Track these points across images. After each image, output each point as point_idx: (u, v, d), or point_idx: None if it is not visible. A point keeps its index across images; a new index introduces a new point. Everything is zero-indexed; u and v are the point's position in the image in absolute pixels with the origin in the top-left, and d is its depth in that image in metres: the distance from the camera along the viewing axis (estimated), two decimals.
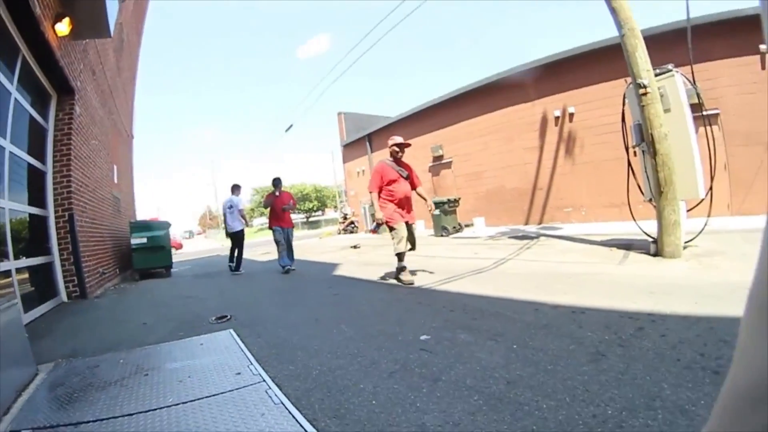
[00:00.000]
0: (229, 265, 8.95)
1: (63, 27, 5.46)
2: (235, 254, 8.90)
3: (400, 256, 5.32)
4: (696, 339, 2.46)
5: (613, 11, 5.56)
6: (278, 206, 8.20)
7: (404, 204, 5.43)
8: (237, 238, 9.01)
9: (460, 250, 8.33)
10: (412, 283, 5.12)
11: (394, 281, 5.52)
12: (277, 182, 8.43)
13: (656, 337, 2.55)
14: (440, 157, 15.09)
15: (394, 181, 5.42)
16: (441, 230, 12.02)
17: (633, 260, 5.37)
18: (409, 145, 5.72)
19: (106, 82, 9.04)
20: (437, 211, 11.99)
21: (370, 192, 5.49)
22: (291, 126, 16.64)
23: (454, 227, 12.23)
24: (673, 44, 7.19)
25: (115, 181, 9.77)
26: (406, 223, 5.35)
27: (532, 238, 8.58)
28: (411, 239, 5.42)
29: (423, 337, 2.94)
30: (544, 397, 1.89)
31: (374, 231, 5.55)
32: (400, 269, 5.37)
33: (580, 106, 10.61)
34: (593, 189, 10.47)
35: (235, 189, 9.13)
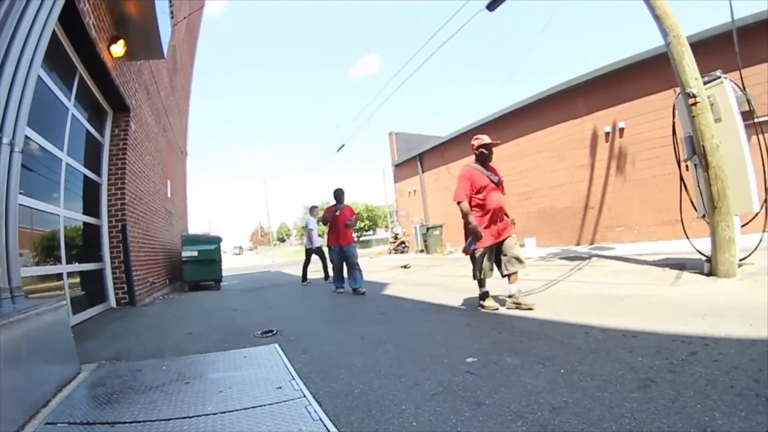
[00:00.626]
0: (306, 281, 9.66)
1: (118, 48, 5.80)
2: (322, 266, 9.88)
3: (481, 283, 4.65)
4: (750, 364, 2.33)
5: (657, 19, 5.42)
6: (341, 222, 7.29)
7: (498, 217, 4.55)
8: (317, 253, 9.88)
9: None
10: (497, 309, 4.49)
11: (462, 306, 5.07)
12: (339, 194, 7.55)
13: (708, 363, 2.43)
14: None
15: (484, 187, 4.52)
16: None
17: (686, 280, 5.16)
18: (497, 144, 4.85)
19: (160, 101, 9.53)
20: None
21: (458, 202, 4.54)
22: (343, 146, 17.12)
23: None
24: (719, 49, 6.90)
25: (169, 195, 10.25)
26: (503, 240, 4.55)
27: (583, 258, 8.38)
28: (510, 255, 4.53)
29: (469, 359, 2.89)
30: (590, 425, 1.82)
31: (467, 251, 4.99)
32: (483, 295, 4.66)
33: (629, 120, 10.30)
34: (645, 206, 10.09)
35: (312, 210, 10.11)
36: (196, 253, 9.45)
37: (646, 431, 1.73)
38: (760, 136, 5.29)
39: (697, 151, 5.16)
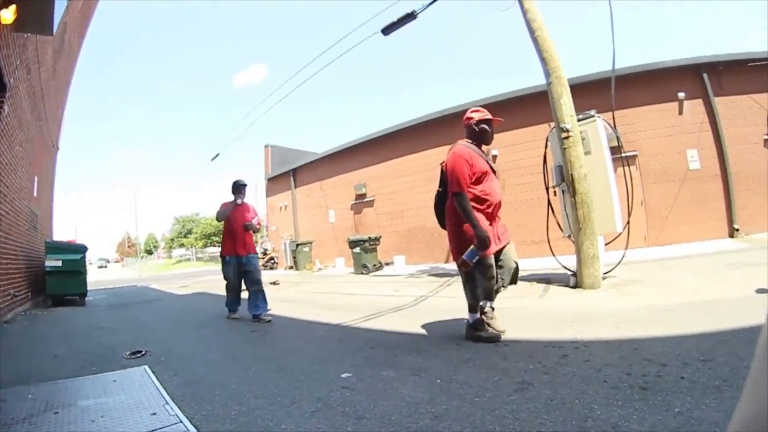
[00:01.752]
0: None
1: (8, 15, 4.80)
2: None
3: (482, 306, 3.50)
4: (621, 361, 2.61)
5: (543, 61, 6.00)
6: (238, 222, 5.77)
7: (496, 214, 3.54)
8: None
9: (380, 287, 8.39)
10: (503, 332, 3.51)
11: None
12: (239, 187, 5.92)
13: (581, 363, 2.67)
14: (363, 195, 15.35)
15: (485, 175, 3.45)
16: (361, 268, 12.17)
17: (554, 293, 5.60)
18: (500, 121, 3.70)
19: (39, 84, 8.27)
20: (358, 249, 12.18)
21: (456, 192, 3.33)
22: (218, 155, 16.01)
23: (375, 265, 12.44)
24: (597, 92, 7.95)
25: (35, 194, 8.98)
26: (502, 246, 3.53)
27: (452, 275, 8.73)
28: (509, 267, 3.54)
29: (344, 375, 2.88)
30: (474, 428, 1.91)
31: (468, 265, 3.28)
32: (482, 320, 3.50)
33: (503, 148, 11.28)
34: (514, 227, 10.85)
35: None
36: (60, 263, 8.32)
37: (530, 428, 1.85)
38: (626, 168, 6.15)
39: (566, 179, 5.77)
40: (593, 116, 6.00)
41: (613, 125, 6.13)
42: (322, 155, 17.28)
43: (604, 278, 5.72)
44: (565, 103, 5.80)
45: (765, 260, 5.88)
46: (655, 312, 3.89)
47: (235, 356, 3.74)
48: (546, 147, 6.51)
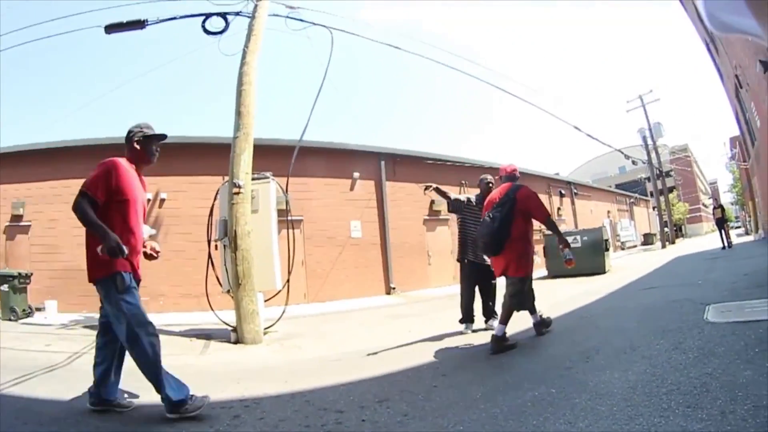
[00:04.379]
0: None
1: None
2: None
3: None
4: (296, 414, 2.61)
5: (238, 114, 6.06)
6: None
7: None
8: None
9: (31, 339, 6.50)
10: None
11: None
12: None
13: (255, 421, 2.55)
14: (19, 217, 11.26)
15: None
16: (9, 312, 8.74)
17: (215, 349, 5.38)
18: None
19: None
20: (6, 287, 8.83)
21: (548, 216, 4.42)
22: None
23: (24, 310, 9.13)
24: (280, 156, 8.41)
25: None
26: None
27: None
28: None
29: None
30: None
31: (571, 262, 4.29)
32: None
33: (172, 193, 10.56)
34: (173, 278, 10.20)
35: None
36: None
37: None
38: (292, 230, 6.68)
39: (229, 234, 5.74)
40: (268, 178, 6.38)
41: (285, 189, 6.65)
42: None
43: (265, 333, 5.82)
44: (245, 160, 5.92)
45: (418, 312, 7.26)
46: (322, 363, 4.11)
47: None
48: (215, 199, 6.43)
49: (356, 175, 12.24)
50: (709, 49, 16.97)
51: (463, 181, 14.86)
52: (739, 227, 38.63)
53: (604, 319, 4.78)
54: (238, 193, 5.77)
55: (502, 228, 3.98)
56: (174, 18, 7.31)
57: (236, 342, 5.59)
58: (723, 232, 14.33)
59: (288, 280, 6.41)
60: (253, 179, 6.09)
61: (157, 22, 7.22)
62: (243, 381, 3.63)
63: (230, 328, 5.81)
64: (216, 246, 6.25)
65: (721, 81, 18.48)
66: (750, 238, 20.22)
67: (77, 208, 2.70)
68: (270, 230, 6.18)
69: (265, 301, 6.50)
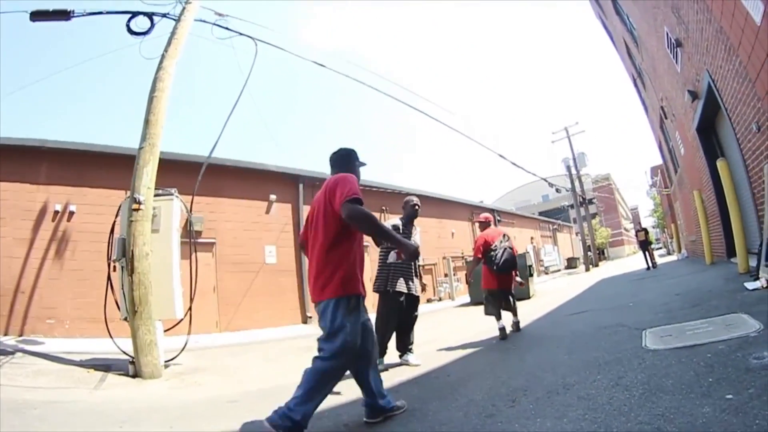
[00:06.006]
0: None
1: None
2: None
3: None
4: None
5: (146, 123, 5.66)
6: None
7: None
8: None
9: None
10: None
11: None
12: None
13: None
14: None
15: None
16: None
17: (111, 383, 4.93)
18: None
19: None
20: None
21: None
22: None
23: None
24: (191, 173, 7.82)
25: None
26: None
27: (7, 353, 6.59)
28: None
29: None
30: None
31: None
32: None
33: (83, 206, 9.58)
34: (80, 300, 9.20)
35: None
36: None
37: None
38: (195, 254, 6.14)
39: (126, 255, 5.21)
40: (172, 195, 5.81)
41: (189, 209, 6.11)
42: None
43: (167, 366, 5.37)
44: (148, 174, 5.46)
45: None
46: (217, 405, 3.80)
47: None
48: (117, 215, 5.83)
49: (273, 197, 11.66)
50: (635, 84, 18.01)
51: (384, 207, 14.66)
52: (660, 248, 40.19)
53: (531, 352, 4.36)
54: (137, 210, 5.26)
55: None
56: (100, 12, 6.90)
57: (134, 375, 5.09)
58: (647, 253, 14.60)
59: (190, 308, 5.85)
60: (156, 195, 5.56)
61: (83, 15, 6.78)
62: (127, 424, 3.31)
63: (129, 360, 5.28)
64: (115, 267, 5.62)
65: (645, 113, 19.65)
66: (673, 257, 20.77)
67: (364, 215, 2.58)
68: (171, 252, 5.56)
69: (167, 330, 5.87)
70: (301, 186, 12.32)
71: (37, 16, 6.75)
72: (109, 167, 9.82)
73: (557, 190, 26.09)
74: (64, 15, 6.72)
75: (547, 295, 11.38)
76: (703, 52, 6.06)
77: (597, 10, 17.24)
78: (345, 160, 3.11)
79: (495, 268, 5.45)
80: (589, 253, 26.56)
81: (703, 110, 7.43)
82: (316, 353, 2.57)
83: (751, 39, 4.18)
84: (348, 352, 2.52)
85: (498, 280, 5.56)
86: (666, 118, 12.58)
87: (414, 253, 2.75)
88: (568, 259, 32.00)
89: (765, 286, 4.46)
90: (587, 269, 24.07)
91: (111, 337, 5.70)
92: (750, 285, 4.76)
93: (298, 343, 7.62)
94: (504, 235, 5.77)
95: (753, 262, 5.66)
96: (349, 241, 2.66)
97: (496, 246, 5.53)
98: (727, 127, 6.51)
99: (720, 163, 6.36)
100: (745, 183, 6.28)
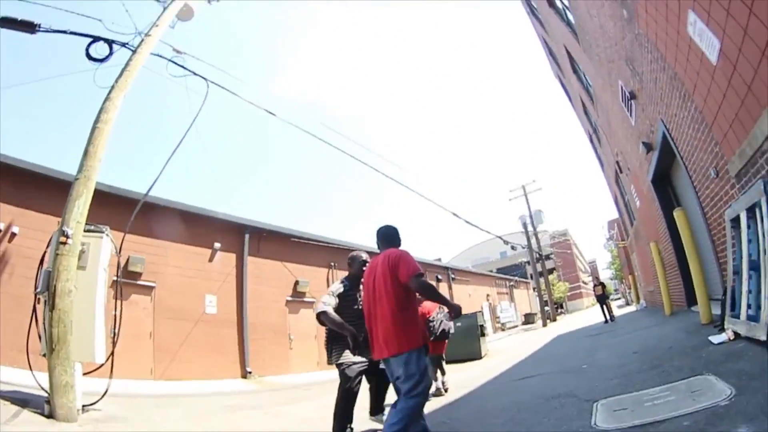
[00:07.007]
0: None
1: None
2: None
3: None
4: None
5: (85, 154, 5.57)
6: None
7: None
8: None
9: None
10: None
11: None
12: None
13: None
14: None
15: None
16: None
17: (24, 419, 4.63)
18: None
19: None
20: None
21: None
22: None
23: None
24: (130, 210, 7.52)
25: None
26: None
27: None
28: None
29: None
30: None
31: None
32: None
33: (26, 230, 9.12)
34: (12, 328, 8.73)
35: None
36: None
37: None
38: (120, 299, 5.96)
39: (49, 289, 5.00)
40: (103, 232, 5.61)
41: (119, 249, 5.90)
42: None
43: (86, 410, 5.07)
44: (79, 207, 5.31)
45: (264, 404, 6.46)
46: None
47: None
48: (48, 245, 5.59)
49: (217, 245, 11.27)
50: (591, 141, 18.63)
51: (333, 263, 14.47)
52: (619, 299, 40.40)
53: (468, 429, 4.00)
54: (64, 243, 5.06)
55: None
56: (64, 32, 6.76)
57: (49, 416, 4.79)
58: (605, 307, 14.85)
59: (113, 353, 5.58)
60: (86, 231, 5.37)
61: (48, 31, 6.65)
62: None
63: (46, 398, 4.96)
64: (39, 300, 5.38)
65: (601, 169, 20.26)
66: (632, 308, 20.76)
67: (429, 286, 3.38)
68: (95, 292, 5.31)
69: (90, 372, 5.56)
70: (247, 236, 12.00)
71: (5, 23, 6.62)
72: (61, 193, 9.46)
73: (513, 248, 26.39)
74: (30, 27, 6.61)
75: (500, 354, 11.20)
76: (657, 101, 6.02)
77: (555, 69, 17.83)
78: (394, 237, 3.65)
79: (432, 338, 5.87)
80: (546, 308, 26.54)
81: (658, 161, 7.45)
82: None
83: (707, 81, 4.02)
84: (429, 387, 3.13)
85: (433, 346, 5.90)
86: (621, 172, 12.86)
87: (459, 311, 3.32)
88: (526, 315, 31.90)
89: (732, 338, 4.02)
90: (544, 324, 24.08)
91: (31, 370, 5.38)
92: (715, 339, 4.30)
93: (230, 400, 7.32)
94: (440, 307, 6.00)
95: (716, 310, 5.27)
96: (413, 304, 3.27)
97: (433, 317, 6.00)
98: (683, 175, 6.46)
99: (677, 213, 6.24)
100: (704, 231, 6.11)
